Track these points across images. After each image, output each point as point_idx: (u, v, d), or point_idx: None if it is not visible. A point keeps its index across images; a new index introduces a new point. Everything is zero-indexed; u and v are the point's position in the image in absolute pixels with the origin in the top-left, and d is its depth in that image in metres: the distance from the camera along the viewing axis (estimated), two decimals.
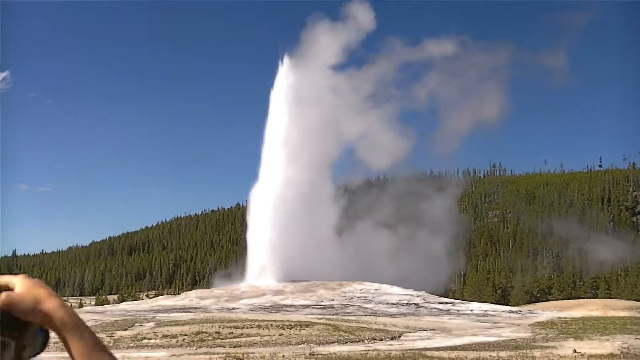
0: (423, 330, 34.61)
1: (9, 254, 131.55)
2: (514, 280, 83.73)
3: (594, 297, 72.94)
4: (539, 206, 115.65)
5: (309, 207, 69.88)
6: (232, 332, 30.34)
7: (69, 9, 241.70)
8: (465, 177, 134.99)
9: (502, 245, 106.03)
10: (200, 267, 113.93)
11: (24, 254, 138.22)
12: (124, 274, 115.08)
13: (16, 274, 0.98)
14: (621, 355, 22.68)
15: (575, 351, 23.54)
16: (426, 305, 51.55)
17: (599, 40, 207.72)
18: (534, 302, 73.78)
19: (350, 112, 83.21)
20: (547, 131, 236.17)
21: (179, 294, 68.71)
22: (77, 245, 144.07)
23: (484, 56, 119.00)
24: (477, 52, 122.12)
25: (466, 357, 22.13)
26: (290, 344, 27.34)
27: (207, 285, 78.76)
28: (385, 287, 58.21)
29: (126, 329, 32.69)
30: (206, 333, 29.88)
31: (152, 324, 34.32)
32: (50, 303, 0.93)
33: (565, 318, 41.38)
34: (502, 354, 23.15)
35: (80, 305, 75.82)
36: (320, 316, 40.61)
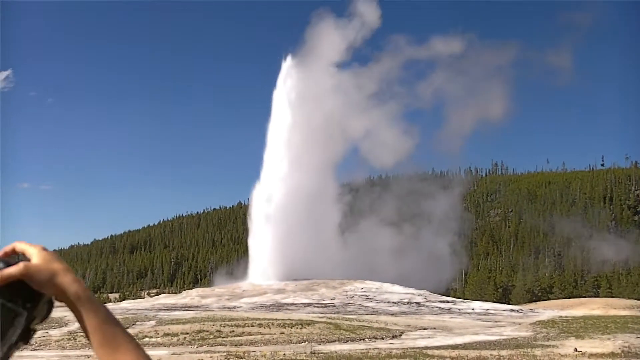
0: (424, 329, 34.60)
1: None
2: (516, 279, 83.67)
3: (595, 296, 72.85)
4: (541, 205, 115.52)
5: (312, 207, 69.66)
6: (233, 331, 30.37)
7: (69, 9, 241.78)
8: (467, 176, 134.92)
9: (504, 244, 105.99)
10: (201, 265, 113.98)
11: None
12: (125, 273, 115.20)
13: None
14: (622, 354, 22.66)
15: (576, 350, 23.51)
16: (427, 304, 51.54)
17: (601, 39, 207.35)
18: (536, 301, 73.74)
19: (354, 111, 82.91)
20: (549, 130, 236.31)
21: (180, 292, 68.72)
22: (78, 243, 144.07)
23: (489, 55, 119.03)
24: (483, 51, 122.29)
25: (467, 356, 22.12)
26: (291, 343, 27.35)
27: (209, 284, 78.81)
28: (387, 286, 58.21)
29: (127, 328, 32.28)
30: (207, 332, 29.90)
31: (153, 323, 34.35)
32: (65, 277, 0.95)
33: (566, 317, 41.35)
34: (503, 352, 23.14)
35: None
36: (321, 315, 40.63)
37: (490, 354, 22.54)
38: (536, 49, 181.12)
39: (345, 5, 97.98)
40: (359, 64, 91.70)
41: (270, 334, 29.90)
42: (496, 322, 39.81)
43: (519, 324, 37.55)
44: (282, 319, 34.72)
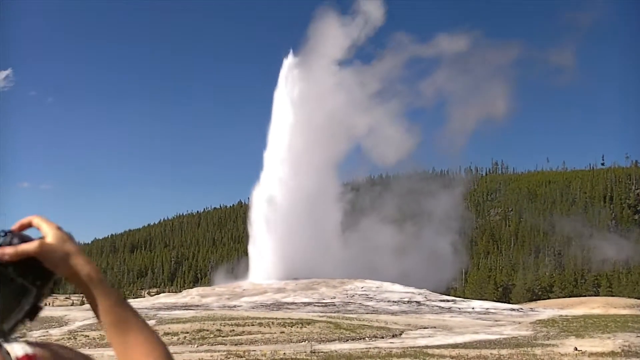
0: (424, 328, 34.61)
1: None
2: (516, 278, 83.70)
3: (595, 295, 72.88)
4: (541, 204, 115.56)
5: (312, 206, 69.53)
6: (233, 330, 30.39)
7: (69, 9, 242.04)
8: (468, 175, 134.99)
9: (504, 243, 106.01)
10: (202, 264, 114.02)
11: None
12: (125, 272, 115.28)
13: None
14: (622, 353, 22.66)
15: (576, 349, 23.51)
16: (427, 303, 51.56)
17: (602, 39, 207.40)
18: (536, 300, 73.75)
19: (357, 109, 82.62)
20: (549, 129, 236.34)
21: (180, 291, 68.75)
22: (78, 242, 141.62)
23: (493, 54, 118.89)
24: (486, 50, 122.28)
25: (467, 355, 22.12)
26: (291, 342, 27.37)
27: (209, 283, 78.77)
28: (387, 285, 58.23)
29: None
30: (207, 331, 29.93)
31: (153, 322, 34.35)
32: (79, 259, 0.95)
33: (566, 316, 41.33)
34: (503, 351, 23.14)
35: (82, 303, 75.86)
36: (321, 314, 40.65)
37: (491, 353, 22.54)
38: (537, 49, 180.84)
39: (349, 3, 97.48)
40: (361, 62, 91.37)
41: (271, 333, 29.92)
42: (496, 321, 39.82)
43: (519, 323, 37.55)
44: (283, 318, 34.74)
